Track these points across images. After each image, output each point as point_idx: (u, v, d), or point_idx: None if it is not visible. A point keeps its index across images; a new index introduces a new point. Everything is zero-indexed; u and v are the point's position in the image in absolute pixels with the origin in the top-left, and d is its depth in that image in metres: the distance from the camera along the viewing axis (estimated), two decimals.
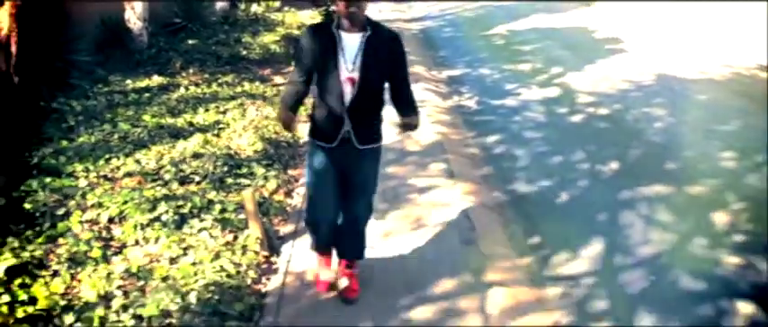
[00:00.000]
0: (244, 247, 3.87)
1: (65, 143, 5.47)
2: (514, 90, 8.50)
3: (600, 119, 7.19)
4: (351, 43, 2.93)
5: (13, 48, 6.31)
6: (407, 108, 3.13)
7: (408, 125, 3.14)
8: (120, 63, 8.54)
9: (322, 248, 3.52)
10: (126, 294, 3.40)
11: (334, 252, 3.54)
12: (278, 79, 8.72)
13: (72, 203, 4.42)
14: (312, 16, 13.27)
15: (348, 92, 2.95)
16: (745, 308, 3.65)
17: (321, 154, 3.11)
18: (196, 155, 5.17)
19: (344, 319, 3.34)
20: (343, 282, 3.44)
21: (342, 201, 3.26)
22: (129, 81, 7.73)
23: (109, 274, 3.53)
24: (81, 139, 5.58)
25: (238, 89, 7.65)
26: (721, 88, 8.62)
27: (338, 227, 3.37)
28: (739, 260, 4.16)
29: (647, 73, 9.32)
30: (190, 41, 9.90)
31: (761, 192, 5.17)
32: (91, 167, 5.00)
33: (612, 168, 5.74)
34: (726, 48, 11.11)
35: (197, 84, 7.71)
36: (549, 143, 6.41)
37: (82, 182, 4.73)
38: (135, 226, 4.08)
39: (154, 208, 4.26)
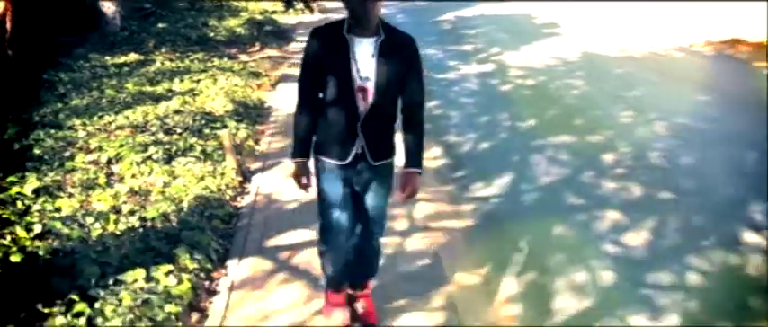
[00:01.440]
0: (222, 174, 4.85)
1: (60, 105, 6.33)
2: (455, 66, 9.60)
3: (526, 88, 8.34)
4: (363, 49, 2.59)
5: (9, 25, 7.11)
6: (414, 129, 2.82)
7: (411, 178, 2.84)
8: (97, 44, 9.36)
9: (337, 283, 3.09)
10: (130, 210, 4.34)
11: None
12: (244, 57, 9.63)
13: (75, 148, 5.31)
14: (275, 4, 14.14)
15: (361, 103, 2.62)
16: (613, 215, 4.75)
17: (332, 173, 2.76)
18: (177, 112, 6.10)
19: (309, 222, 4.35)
20: (360, 306, 3.16)
21: (356, 223, 2.92)
22: (107, 58, 8.57)
23: (116, 193, 4.46)
24: (74, 102, 6.46)
25: (209, 64, 8.55)
26: (637, 64, 9.86)
27: (353, 251, 2.96)
28: (616, 185, 5.28)
29: (574, 51, 10.53)
30: (160, 25, 10.75)
31: (646, 139, 6.33)
32: (87, 122, 5.89)
33: (530, 124, 6.86)
34: (650, 32, 12.41)
35: (171, 60, 8.59)
36: (480, 106, 7.51)
37: (81, 133, 5.62)
38: (131, 163, 5.00)
39: (145, 150, 5.19)
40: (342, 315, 3.11)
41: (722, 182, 5.26)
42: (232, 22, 11.76)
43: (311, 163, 2.86)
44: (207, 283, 3.58)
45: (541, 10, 15.40)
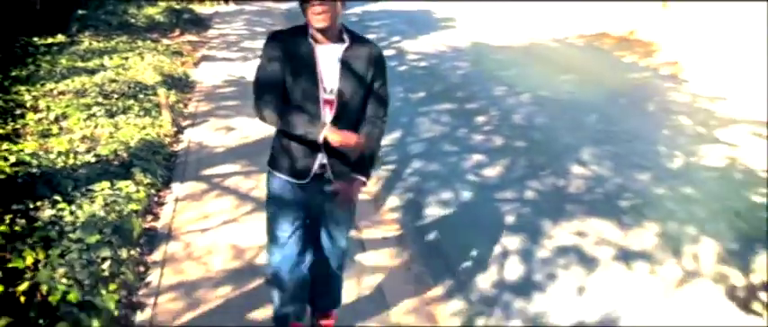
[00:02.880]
0: (160, 126, 5.82)
1: (0, 76, 7.03)
2: None
3: (419, 69, 9.66)
4: (327, 57, 2.36)
5: None
6: (371, 137, 2.50)
7: (355, 185, 2.57)
8: (18, 27, 9.88)
9: (286, 318, 2.75)
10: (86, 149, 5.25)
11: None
12: (165, 41, 10.43)
13: (24, 109, 6.10)
14: None
15: (324, 116, 2.38)
16: (477, 157, 6.06)
17: (286, 191, 2.51)
18: (113, 81, 6.96)
19: (238, 166, 5.39)
20: None
21: (311, 247, 2.69)
22: (35, 38, 9.19)
23: (69, 139, 5.34)
24: (13, 73, 7.15)
25: (133, 45, 9.34)
26: (515, 51, 11.42)
27: (308, 279, 2.70)
28: (483, 137, 6.62)
29: (465, 41, 12.00)
30: (80, 11, 11.32)
31: (512, 106, 7.75)
32: (30, 88, 6.65)
33: (419, 96, 8.15)
34: (534, 26, 14.11)
35: (98, 41, 9.31)
36: None
37: (27, 97, 6.40)
38: (78, 119, 5.86)
39: (89, 109, 6.06)
40: None
41: (564, 135, 6.71)
42: (151, 11, 12.47)
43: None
44: (156, 198, 4.58)
45: (441, 7, 16.89)
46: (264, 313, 3.21)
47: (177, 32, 11.18)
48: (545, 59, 10.83)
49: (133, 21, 11.46)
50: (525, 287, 3.84)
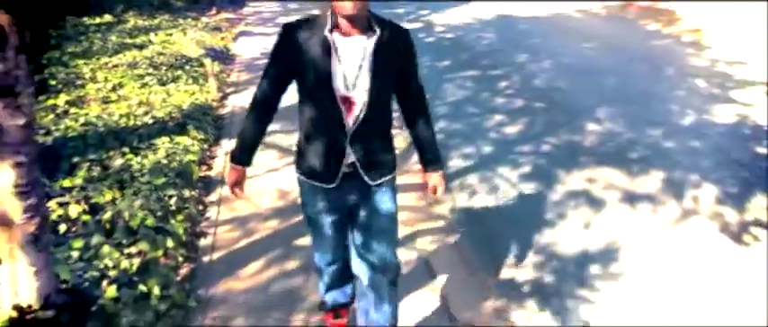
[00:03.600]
0: (207, 92, 6.39)
1: (58, 53, 7.68)
2: None
3: (446, 40, 10.08)
4: (351, 51, 2.12)
5: None
6: (423, 123, 2.44)
7: (437, 179, 2.50)
8: (68, 9, 10.57)
9: (330, 306, 2.76)
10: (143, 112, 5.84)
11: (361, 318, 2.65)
12: (204, 19, 11.02)
13: (84, 80, 6.73)
14: None
15: (348, 114, 2.17)
16: (498, 117, 6.51)
17: (317, 196, 2.34)
18: (161, 54, 7.55)
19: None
20: None
21: (357, 255, 2.48)
22: (84, 18, 9.85)
23: (128, 105, 5.94)
24: (70, 49, 7.80)
25: (175, 23, 9.94)
26: (540, 22, 11.75)
27: (360, 289, 2.57)
28: (504, 100, 7.05)
29: (491, 13, 12.34)
30: None
31: (534, 71, 8.15)
32: (87, 62, 7.28)
33: (445, 64, 8.59)
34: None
35: (142, 20, 9.94)
36: None
37: (85, 69, 7.03)
38: (133, 88, 6.46)
39: (142, 79, 6.66)
40: None
41: (582, 97, 7.10)
42: None
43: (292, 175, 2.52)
44: (208, 152, 5.16)
45: None
46: (307, 240, 3.75)
47: (214, 11, 11.77)
48: (568, 29, 11.15)
49: (173, 0, 12.06)
50: (537, 224, 4.31)
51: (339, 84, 2.13)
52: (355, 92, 2.15)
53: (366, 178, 2.30)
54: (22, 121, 2.24)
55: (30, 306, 2.47)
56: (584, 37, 10.46)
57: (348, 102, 2.17)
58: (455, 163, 5.35)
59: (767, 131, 6.07)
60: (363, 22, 2.12)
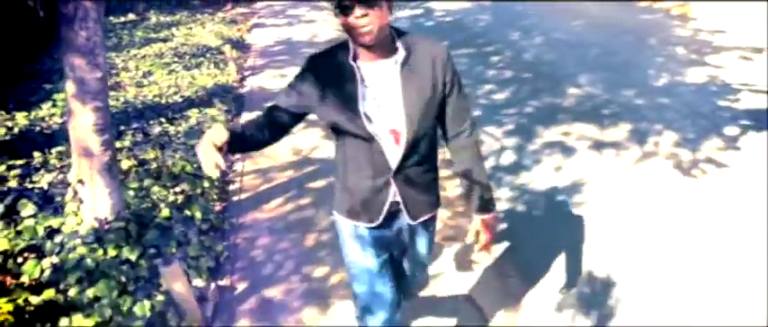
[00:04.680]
0: (228, 75, 7.18)
1: None
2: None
3: (445, 23, 10.79)
4: (378, 77, 1.93)
5: None
6: (473, 158, 2.16)
7: (488, 224, 2.25)
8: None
9: None
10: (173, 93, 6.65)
11: None
12: (220, 14, 11.83)
13: (118, 69, 7.55)
14: None
15: (389, 146, 1.98)
16: (489, 86, 7.23)
17: (361, 238, 2.19)
18: (184, 45, 8.36)
19: None
20: None
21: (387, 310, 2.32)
22: (110, 18, 10.70)
23: (159, 87, 6.75)
24: None
25: (194, 18, 10.77)
26: (535, 4, 12.39)
27: None
28: (495, 72, 7.76)
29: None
30: None
31: (525, 47, 8.84)
32: (117, 54, 8.10)
33: (443, 44, 9.30)
34: None
35: (164, 16, 10.77)
36: None
37: (117, 60, 7.85)
38: (162, 74, 7.27)
39: (169, 66, 7.47)
40: None
41: (567, 66, 7.80)
42: None
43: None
44: (231, 122, 5.95)
45: None
46: (320, 184, 4.52)
47: (229, 6, 12.57)
48: (562, 8, 11.79)
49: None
50: (515, 168, 5.04)
51: (372, 115, 1.91)
52: (391, 121, 1.93)
53: (408, 217, 2.13)
54: (99, 75, 3.02)
55: (105, 219, 3.26)
56: (575, 15, 11.12)
57: (386, 133, 1.94)
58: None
59: (732, 87, 6.73)
60: (384, 46, 1.88)
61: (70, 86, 2.99)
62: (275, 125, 2.04)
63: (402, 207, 2.10)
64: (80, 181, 3.21)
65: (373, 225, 2.12)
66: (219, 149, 1.75)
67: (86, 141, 3.12)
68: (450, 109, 2.04)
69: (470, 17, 11.21)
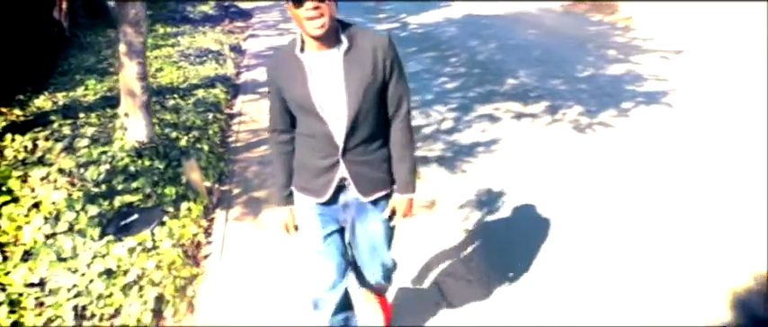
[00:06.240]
0: (227, 68, 8.67)
1: (110, 50, 10.02)
2: (371, 26, 13.53)
3: (416, 34, 12.35)
4: (324, 66, 2.14)
5: (64, 6, 10.78)
6: (402, 143, 2.35)
7: (403, 204, 2.40)
8: (107, 24, 12.96)
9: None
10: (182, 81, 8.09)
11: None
12: (217, 28, 13.37)
13: None
14: None
15: (336, 128, 2.18)
16: (443, 79, 8.72)
17: (311, 212, 2.37)
18: (188, 48, 9.87)
19: None
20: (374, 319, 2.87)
21: (353, 268, 2.67)
22: None
23: (169, 77, 8.20)
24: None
25: (195, 31, 12.30)
26: (500, 18, 13.98)
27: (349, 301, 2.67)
28: (451, 69, 9.26)
29: (459, 14, 14.61)
30: (149, 12, 14.35)
31: (480, 51, 10.37)
32: None
33: (412, 49, 10.83)
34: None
35: (169, 29, 12.31)
36: None
37: None
38: (171, 70, 8.74)
39: (177, 63, 8.95)
40: None
41: (511, 64, 9.30)
42: (204, 7, 15.48)
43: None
44: (232, 101, 7.42)
45: None
46: None
47: (226, 22, 14.13)
48: (522, 22, 13.37)
49: (191, 15, 14.44)
50: (450, 131, 6.49)
51: (320, 101, 2.13)
52: (337, 107, 2.14)
53: (359, 194, 2.30)
54: (141, 40, 4.50)
55: (142, 142, 4.71)
56: (532, 26, 12.69)
57: (332, 117, 2.16)
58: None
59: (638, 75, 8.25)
60: (331, 37, 2.10)
61: (122, 47, 4.47)
62: (285, 133, 2.38)
63: (351, 184, 2.28)
64: (126, 114, 4.67)
65: (322, 200, 2.31)
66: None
67: (131, 85, 4.58)
68: (389, 93, 2.24)
69: (439, 29, 12.77)
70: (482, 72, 8.97)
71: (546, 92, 7.74)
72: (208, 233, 4.18)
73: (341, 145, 2.19)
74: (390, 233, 2.49)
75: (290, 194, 2.41)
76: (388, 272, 2.66)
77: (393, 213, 2.40)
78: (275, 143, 2.39)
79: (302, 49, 2.14)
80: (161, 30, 12.12)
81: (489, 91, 7.96)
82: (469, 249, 4.00)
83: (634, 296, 3.45)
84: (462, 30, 12.67)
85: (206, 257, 3.90)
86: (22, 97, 6.89)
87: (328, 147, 2.22)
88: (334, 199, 2.32)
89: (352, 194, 2.31)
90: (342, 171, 2.25)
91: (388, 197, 2.39)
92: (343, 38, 2.12)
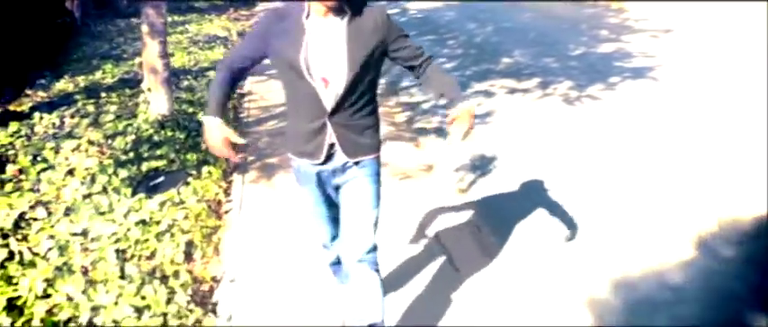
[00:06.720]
0: None
1: (121, 39, 10.44)
2: None
3: (415, 19, 12.76)
4: (325, 33, 2.24)
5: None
6: (434, 69, 2.49)
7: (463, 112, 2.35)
8: (116, 14, 13.39)
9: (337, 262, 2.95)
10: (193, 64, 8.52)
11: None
12: (223, 16, 13.78)
13: None
14: None
15: (328, 94, 2.26)
16: (441, 60, 9.14)
17: (306, 173, 2.50)
18: (197, 34, 10.29)
19: None
20: None
21: (339, 234, 2.64)
22: (133, 19, 12.63)
23: (182, 62, 8.63)
24: (130, 35, 10.55)
25: (202, 18, 12.72)
26: (497, 3, 14.37)
27: (347, 279, 2.55)
28: (449, 51, 9.68)
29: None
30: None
31: (477, 34, 10.77)
32: None
33: (411, 33, 11.22)
34: None
35: (178, 17, 12.73)
36: None
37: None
38: (182, 55, 9.17)
39: (187, 49, 9.38)
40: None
41: (507, 45, 9.72)
42: None
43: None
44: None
45: None
46: None
47: (232, 10, 14.54)
48: (519, 6, 13.75)
49: (198, 4, 14.85)
50: (449, 104, 6.91)
51: (314, 66, 2.20)
52: (332, 72, 2.22)
53: (344, 156, 2.39)
54: (162, 21, 4.93)
55: (164, 114, 5.15)
56: (528, 8, 13.09)
57: (325, 83, 2.23)
58: (404, 82, 7.98)
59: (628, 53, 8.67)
60: (337, 7, 2.21)
61: (145, 27, 4.90)
62: (235, 80, 2.44)
63: (337, 146, 2.36)
64: (148, 89, 5.11)
65: (317, 162, 2.40)
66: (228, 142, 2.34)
67: (154, 63, 5.01)
68: (407, 51, 2.40)
69: (438, 14, 13.17)
70: (478, 52, 9.37)
71: (538, 69, 8.16)
72: (227, 193, 4.63)
73: (330, 107, 2.27)
74: (377, 193, 2.52)
75: (221, 109, 2.41)
76: (370, 251, 2.46)
77: (452, 122, 2.36)
78: (220, 78, 2.41)
79: (307, 16, 2.23)
80: (169, 19, 12.53)
81: (485, 69, 8.37)
82: (464, 206, 4.43)
83: (614, 246, 3.89)
84: (460, 14, 13.06)
85: (226, 212, 4.35)
86: (43, 81, 7.33)
87: (316, 110, 2.29)
88: (328, 162, 2.41)
89: (339, 158, 2.40)
90: (330, 133, 2.34)
91: (374, 162, 2.48)
92: (346, 8, 2.23)
